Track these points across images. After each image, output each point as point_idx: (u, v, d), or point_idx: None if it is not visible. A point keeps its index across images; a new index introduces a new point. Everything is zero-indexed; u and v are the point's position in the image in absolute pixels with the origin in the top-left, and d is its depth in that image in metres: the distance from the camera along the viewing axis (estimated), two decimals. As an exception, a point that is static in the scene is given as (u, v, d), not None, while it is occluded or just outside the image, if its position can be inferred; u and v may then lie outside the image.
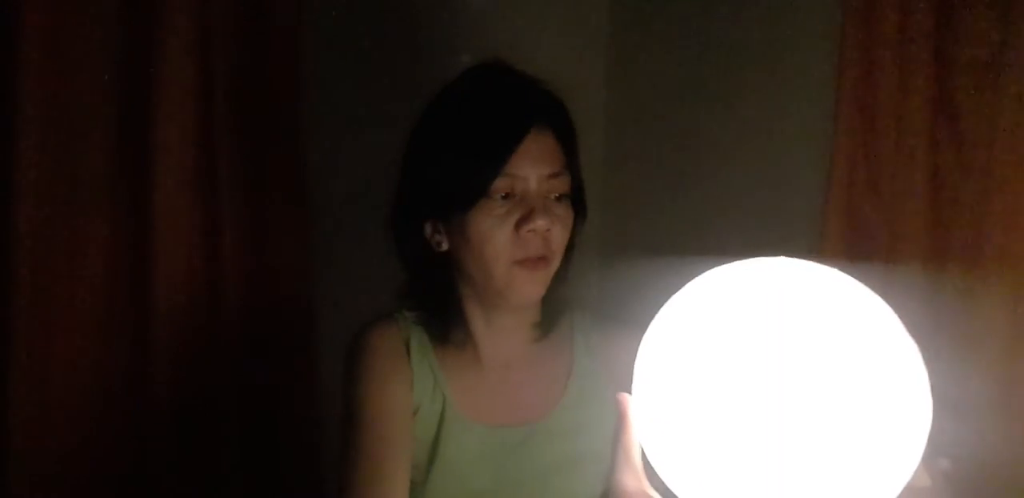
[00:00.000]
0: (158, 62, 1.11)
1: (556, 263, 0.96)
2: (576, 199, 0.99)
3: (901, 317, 0.56)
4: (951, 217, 0.98)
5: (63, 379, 1.07)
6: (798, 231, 1.20)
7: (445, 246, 0.98)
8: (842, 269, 0.60)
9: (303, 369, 1.24)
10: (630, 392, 0.65)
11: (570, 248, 1.01)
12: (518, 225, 0.93)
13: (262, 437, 1.19)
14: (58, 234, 1.06)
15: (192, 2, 1.12)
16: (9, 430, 1.02)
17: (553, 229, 0.94)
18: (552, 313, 1.03)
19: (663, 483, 0.61)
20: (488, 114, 0.96)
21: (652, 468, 0.62)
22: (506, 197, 0.94)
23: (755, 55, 1.33)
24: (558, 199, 0.96)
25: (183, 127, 1.13)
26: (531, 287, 0.95)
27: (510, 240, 0.93)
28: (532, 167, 0.94)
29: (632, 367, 0.66)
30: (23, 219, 1.03)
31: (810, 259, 0.63)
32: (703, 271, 0.63)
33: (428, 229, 0.98)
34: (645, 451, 0.63)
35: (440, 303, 1.02)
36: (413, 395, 0.99)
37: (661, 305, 0.64)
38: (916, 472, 0.56)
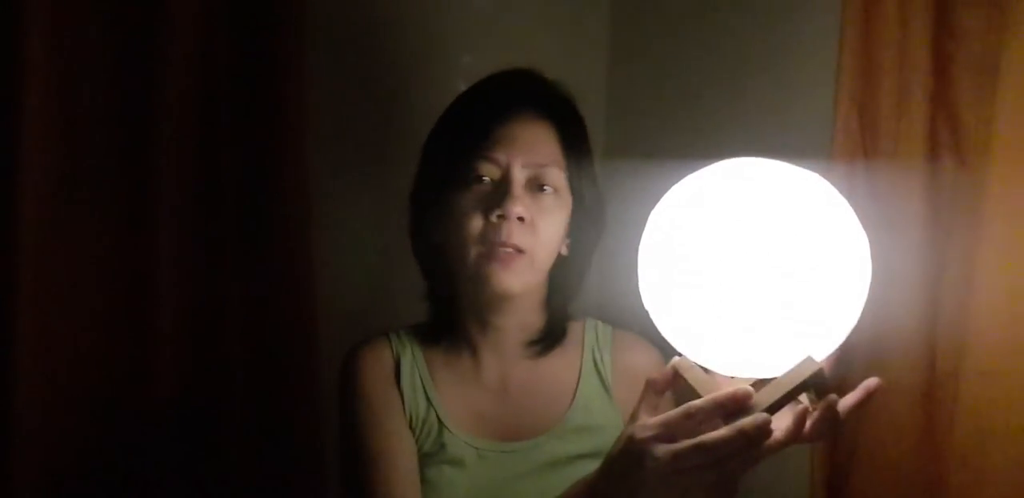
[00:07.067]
0: (161, 63, 1.11)
1: (538, 257, 0.93)
2: (582, 199, 0.96)
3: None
4: (949, 218, 0.99)
5: (66, 379, 1.08)
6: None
7: (437, 237, 0.97)
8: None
9: (305, 366, 1.24)
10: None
11: (580, 254, 0.99)
12: (490, 209, 0.91)
13: (264, 435, 1.19)
14: (60, 235, 1.07)
15: (194, 3, 1.12)
16: (11, 430, 1.03)
17: (533, 220, 0.92)
18: (553, 321, 1.00)
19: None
20: (474, 100, 0.97)
21: None
22: (492, 183, 0.92)
23: (754, 55, 1.33)
24: (543, 190, 0.93)
25: (186, 126, 1.13)
26: (502, 275, 0.92)
27: (481, 224, 0.92)
28: (516, 153, 0.92)
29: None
30: (24, 220, 1.03)
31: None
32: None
33: (428, 220, 0.98)
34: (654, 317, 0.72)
35: (436, 305, 1.02)
36: (406, 418, 0.98)
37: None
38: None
